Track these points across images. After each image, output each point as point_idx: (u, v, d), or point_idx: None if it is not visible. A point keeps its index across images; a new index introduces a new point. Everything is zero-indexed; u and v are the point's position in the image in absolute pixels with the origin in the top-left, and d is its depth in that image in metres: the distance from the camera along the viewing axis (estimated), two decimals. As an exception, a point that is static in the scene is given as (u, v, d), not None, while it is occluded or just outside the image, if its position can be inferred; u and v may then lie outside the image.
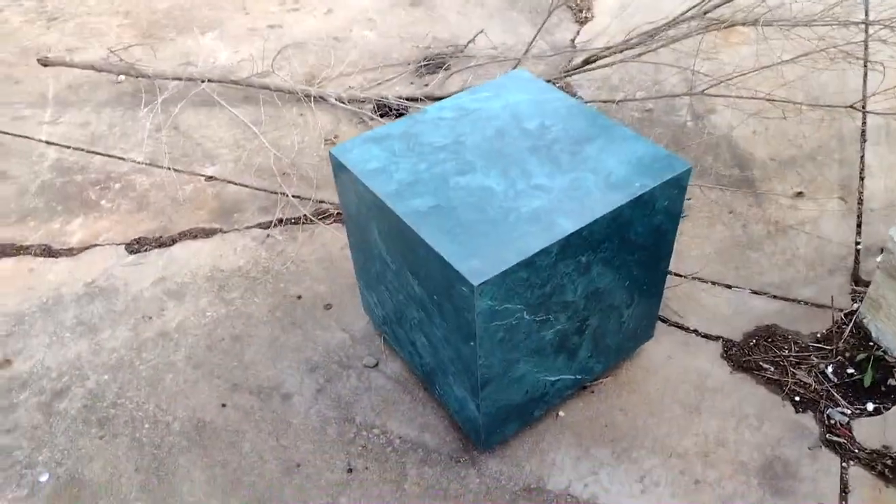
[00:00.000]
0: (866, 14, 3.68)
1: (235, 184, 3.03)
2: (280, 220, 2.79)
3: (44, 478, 1.97)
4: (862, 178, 2.74)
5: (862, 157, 2.84)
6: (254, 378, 2.21)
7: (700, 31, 2.69)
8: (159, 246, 2.75)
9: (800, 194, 2.69)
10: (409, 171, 1.76)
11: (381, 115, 3.37)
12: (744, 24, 2.59)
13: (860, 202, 2.64)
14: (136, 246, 2.76)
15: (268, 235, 2.73)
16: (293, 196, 2.89)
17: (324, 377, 2.19)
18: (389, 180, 1.74)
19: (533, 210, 1.62)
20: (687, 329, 2.24)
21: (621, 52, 3.06)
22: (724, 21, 2.57)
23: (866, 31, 3.10)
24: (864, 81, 3.20)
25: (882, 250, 1.98)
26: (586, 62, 3.19)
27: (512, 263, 1.50)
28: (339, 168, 1.85)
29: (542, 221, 1.59)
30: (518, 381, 1.79)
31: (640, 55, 2.93)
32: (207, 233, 2.79)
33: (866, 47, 3.35)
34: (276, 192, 2.94)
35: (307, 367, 2.22)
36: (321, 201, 2.87)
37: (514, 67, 3.41)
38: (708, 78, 3.05)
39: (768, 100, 2.73)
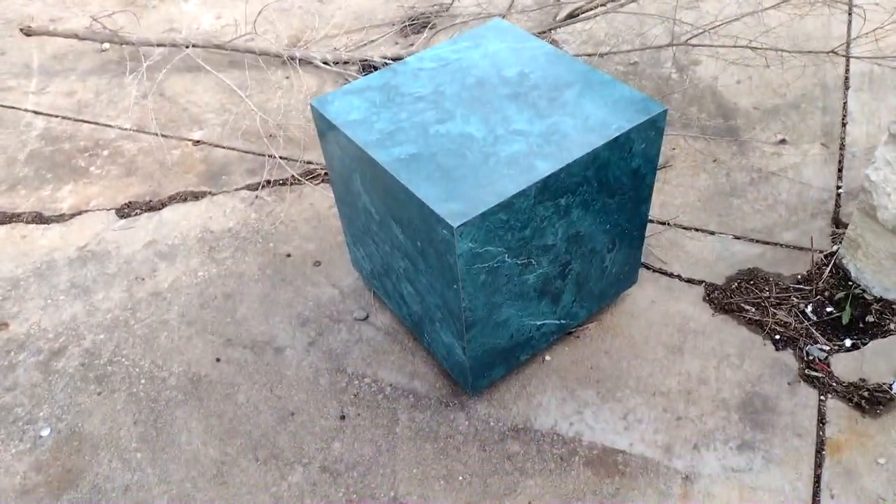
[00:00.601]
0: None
1: (223, 147, 3.04)
2: (268, 182, 2.81)
3: (45, 432, 2.02)
4: (844, 125, 2.76)
5: (845, 103, 2.85)
6: (246, 333, 2.25)
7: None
8: (149, 210, 2.77)
9: (783, 141, 2.71)
10: (390, 121, 1.78)
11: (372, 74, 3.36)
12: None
13: (842, 147, 2.66)
14: (127, 210, 2.78)
15: (256, 197, 2.76)
16: (280, 158, 2.90)
17: (315, 331, 2.23)
18: (370, 130, 1.76)
19: (512, 154, 1.65)
20: (670, 275, 2.29)
21: (604, 3, 3.05)
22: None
23: None
24: (849, 27, 3.20)
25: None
26: (570, 16, 3.18)
27: (491, 205, 1.53)
28: (320, 120, 1.87)
29: (521, 165, 1.62)
30: (503, 325, 1.83)
31: (622, 5, 2.92)
32: (196, 196, 2.81)
33: None
34: (263, 155, 2.95)
35: (298, 322, 2.27)
36: (308, 162, 2.89)
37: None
38: (691, 27, 3.05)
39: (750, 48, 2.74)
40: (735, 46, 2.78)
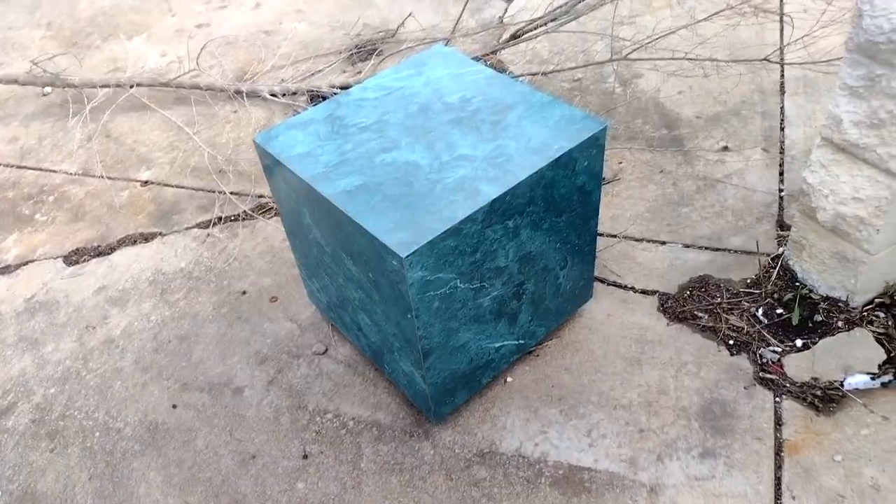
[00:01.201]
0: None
1: (172, 186, 3.00)
2: (220, 219, 2.78)
3: (-5, 495, 1.95)
4: (783, 129, 2.84)
5: (782, 108, 2.94)
6: (203, 376, 2.20)
7: (617, -2, 2.75)
8: (98, 255, 2.71)
9: (725, 148, 2.78)
10: (335, 153, 1.78)
11: (315, 106, 3.36)
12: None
13: (782, 151, 2.74)
14: (75, 257, 2.72)
15: (208, 234, 2.72)
16: (231, 193, 2.87)
17: (274, 368, 2.20)
18: (315, 163, 1.76)
19: (458, 180, 1.66)
20: (625, 287, 2.31)
21: (546, 24, 3.11)
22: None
23: None
24: (781, 34, 3.31)
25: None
26: (514, 36, 3.23)
27: (439, 232, 1.53)
28: (265, 156, 1.86)
29: (467, 190, 1.63)
30: (461, 350, 1.83)
31: (562, 24, 2.98)
32: (147, 237, 2.76)
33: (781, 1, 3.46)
34: (213, 191, 2.92)
35: (257, 360, 2.23)
36: (260, 196, 2.87)
37: (446, 44, 3.43)
38: (630, 43, 3.12)
39: (688, 59, 2.81)
40: (674, 59, 2.85)
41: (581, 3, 2.87)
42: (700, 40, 3.26)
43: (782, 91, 3.03)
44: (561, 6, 3.01)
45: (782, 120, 2.88)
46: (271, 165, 1.85)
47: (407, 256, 1.49)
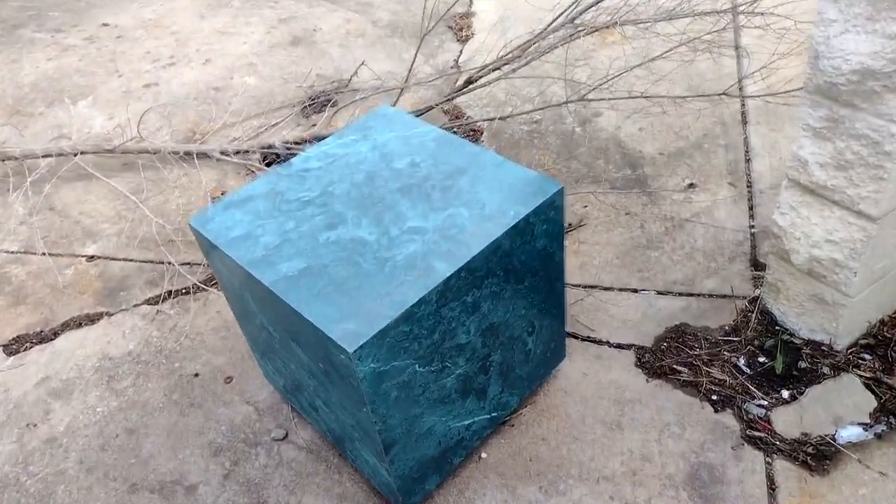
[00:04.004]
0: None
1: (119, 260, 2.84)
2: (169, 293, 2.62)
3: None
4: (748, 161, 2.78)
5: (745, 138, 2.88)
6: (154, 473, 2.03)
7: (569, 40, 2.68)
8: (41, 342, 2.53)
9: (691, 185, 2.71)
10: (276, 233, 1.65)
11: (269, 164, 3.24)
12: (606, 28, 2.60)
13: (749, 185, 2.67)
14: (15, 346, 2.54)
15: (158, 311, 2.56)
16: (182, 264, 2.72)
17: (230, 460, 2.04)
18: (255, 246, 1.63)
19: (408, 257, 1.54)
20: (599, 342, 2.20)
21: (499, 68, 3.04)
22: (589, 27, 2.57)
23: (734, 17, 3.17)
24: (738, 66, 3.27)
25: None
26: (469, 82, 3.15)
27: (390, 319, 1.41)
28: (201, 240, 1.72)
29: (419, 268, 1.51)
30: (427, 435, 1.69)
31: (515, 69, 2.91)
32: (93, 318, 2.59)
33: (737, 32, 3.43)
34: (163, 263, 2.77)
35: (211, 452, 2.07)
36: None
37: (398, 97, 3.34)
38: (585, 84, 3.06)
39: (644, 97, 2.75)
40: (631, 97, 2.78)
41: (534, 46, 2.80)
42: (657, 77, 3.21)
43: (744, 121, 2.97)
44: (513, 50, 2.94)
45: (747, 152, 2.82)
46: (209, 249, 1.72)
47: (355, 350, 1.36)
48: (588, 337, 2.22)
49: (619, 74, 2.75)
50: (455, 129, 3.24)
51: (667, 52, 2.66)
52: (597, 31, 2.55)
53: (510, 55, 3.01)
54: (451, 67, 3.81)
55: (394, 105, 3.31)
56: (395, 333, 1.43)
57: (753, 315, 2.16)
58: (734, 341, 2.12)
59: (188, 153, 3.29)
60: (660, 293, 2.32)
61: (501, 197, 1.65)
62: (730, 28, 3.36)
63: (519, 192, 1.65)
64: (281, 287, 1.51)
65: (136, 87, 4.06)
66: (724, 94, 2.68)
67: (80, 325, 2.57)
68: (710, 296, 2.28)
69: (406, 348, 1.48)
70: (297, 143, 3.30)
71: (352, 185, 1.77)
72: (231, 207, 1.76)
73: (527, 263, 1.68)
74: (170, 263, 2.74)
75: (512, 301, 1.71)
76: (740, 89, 3.03)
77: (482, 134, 3.22)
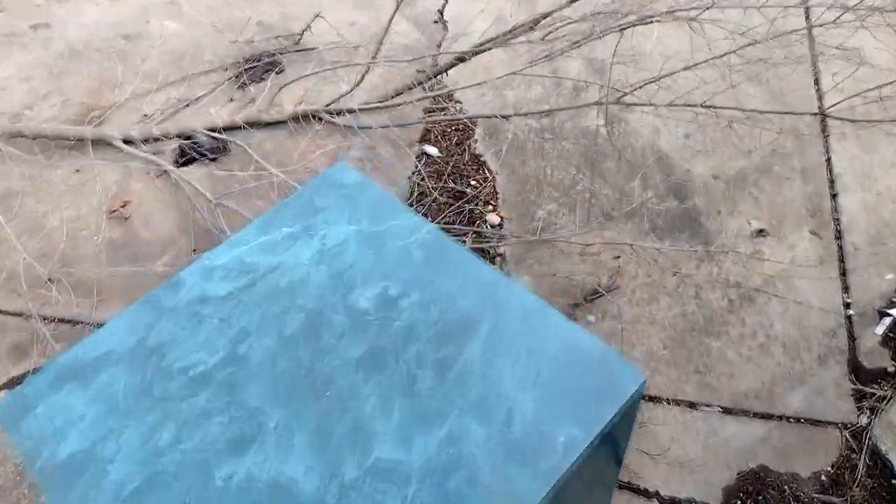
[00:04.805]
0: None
1: (-26, 308, 2.06)
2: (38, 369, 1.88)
3: None
4: (834, 196, 2.08)
5: (828, 159, 2.17)
6: None
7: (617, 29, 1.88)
8: None
9: (761, 233, 2.01)
10: (138, 459, 0.92)
11: (187, 162, 2.42)
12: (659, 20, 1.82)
13: (838, 236, 1.99)
14: None
15: (21, 404, 1.82)
16: (60, 321, 1.97)
17: None
18: (100, 485, 0.90)
19: (376, 533, 0.84)
20: (646, 493, 1.56)
21: (499, 43, 2.22)
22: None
23: (807, 18, 2.38)
24: (816, 77, 2.48)
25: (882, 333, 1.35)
26: (460, 60, 2.34)
27: None
28: (15, 450, 0.99)
29: (396, 566, 0.81)
30: None
31: (528, 44, 2.11)
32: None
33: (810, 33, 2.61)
34: (32, 317, 2.00)
35: None
36: (101, 325, 1.97)
37: (364, 74, 2.49)
38: (619, 78, 2.27)
39: (705, 106, 2.00)
40: (688, 106, 2.02)
41: (540, 21, 2.00)
42: (712, 75, 2.42)
43: (824, 132, 2.25)
44: (527, 22, 2.13)
45: (832, 182, 2.12)
46: (26, 467, 0.99)
47: None
48: (629, 483, 1.58)
49: (675, 71, 1.97)
50: (437, 124, 2.45)
51: (729, 53, 1.88)
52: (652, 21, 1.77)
53: (521, 28, 2.19)
54: (435, 22, 2.94)
55: (359, 82, 2.48)
56: None
57: (861, 460, 1.54)
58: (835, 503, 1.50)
59: (81, 139, 2.45)
60: (726, 411, 1.67)
61: (541, 396, 0.94)
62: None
63: (575, 385, 0.94)
64: None
65: (22, 29, 3.10)
66: (821, 113, 1.94)
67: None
68: (798, 420, 1.64)
69: None
70: (227, 129, 2.48)
71: (280, 340, 1.03)
72: (70, 380, 1.01)
73: (575, 495, 1.00)
74: (44, 319, 1.98)
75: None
76: (820, 106, 2.27)
77: (474, 130, 2.43)
